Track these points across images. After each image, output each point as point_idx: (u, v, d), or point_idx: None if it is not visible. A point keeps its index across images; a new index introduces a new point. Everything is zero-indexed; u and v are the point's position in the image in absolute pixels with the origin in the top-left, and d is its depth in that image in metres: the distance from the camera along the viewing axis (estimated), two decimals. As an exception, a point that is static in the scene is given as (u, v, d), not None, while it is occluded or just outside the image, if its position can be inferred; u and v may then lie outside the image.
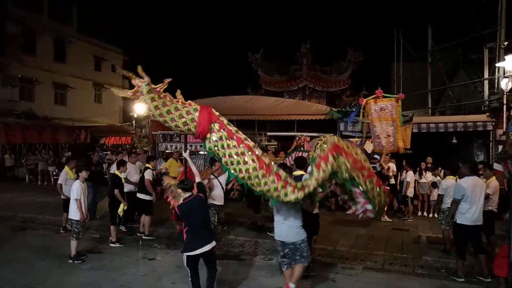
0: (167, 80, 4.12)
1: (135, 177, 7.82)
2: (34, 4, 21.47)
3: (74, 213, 5.92)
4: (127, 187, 7.72)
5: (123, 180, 7.04)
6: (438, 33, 14.54)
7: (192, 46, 45.95)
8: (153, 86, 4.06)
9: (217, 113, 4.09)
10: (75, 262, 5.77)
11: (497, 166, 6.76)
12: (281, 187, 3.85)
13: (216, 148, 3.97)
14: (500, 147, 9.70)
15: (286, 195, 3.83)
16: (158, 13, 47.28)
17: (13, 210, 9.33)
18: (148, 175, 7.24)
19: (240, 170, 3.91)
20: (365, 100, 7.93)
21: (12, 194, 11.80)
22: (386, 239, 7.08)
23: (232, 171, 3.99)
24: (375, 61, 20.59)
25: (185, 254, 4.22)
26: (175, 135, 12.17)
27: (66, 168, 7.59)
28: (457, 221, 5.33)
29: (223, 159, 3.98)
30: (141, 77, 4.02)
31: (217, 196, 6.27)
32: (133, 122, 23.42)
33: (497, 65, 10.70)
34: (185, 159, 4.92)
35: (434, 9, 14.18)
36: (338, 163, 3.90)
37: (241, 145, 3.93)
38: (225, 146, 3.94)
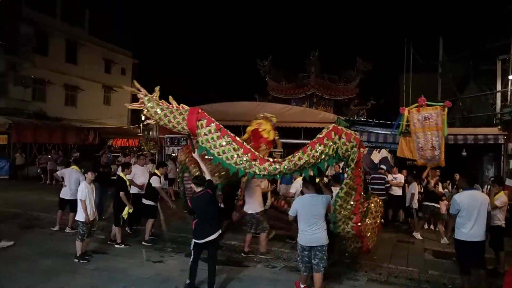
0: (157, 88, 5.04)
1: (141, 180, 7.80)
2: (47, 6, 21.91)
3: (80, 214, 5.97)
4: (133, 189, 7.75)
5: (127, 182, 7.06)
6: (449, 44, 14.45)
7: (201, 52, 46.36)
8: (150, 95, 4.92)
9: (208, 116, 4.89)
10: (81, 261, 5.81)
11: (509, 182, 6.60)
12: (269, 165, 4.68)
13: (207, 141, 4.75)
14: (512, 162, 9.54)
15: (264, 169, 4.68)
16: (168, 18, 47.90)
17: (21, 208, 9.43)
18: (155, 182, 7.13)
19: (232, 157, 4.68)
20: (407, 109, 7.56)
21: (21, 193, 11.95)
22: (391, 252, 6.97)
23: (225, 159, 4.71)
24: (383, 70, 20.53)
25: (194, 240, 4.85)
26: (182, 139, 12.23)
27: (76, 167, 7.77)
28: (455, 236, 5.14)
29: (215, 150, 4.72)
30: (138, 90, 4.95)
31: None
32: (141, 124, 23.62)
33: (510, 77, 10.56)
34: (196, 160, 5.39)
35: (445, 21, 14.11)
36: (338, 143, 4.73)
37: (226, 136, 4.73)
38: (215, 138, 4.73)
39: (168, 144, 12.42)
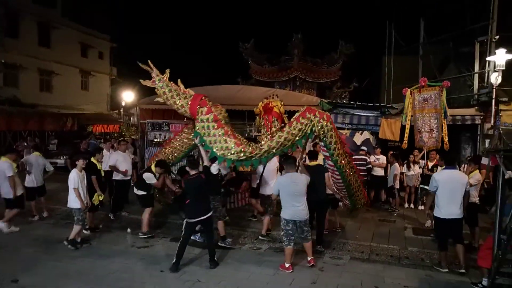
0: (168, 70, 5.44)
1: (123, 166, 7.70)
2: (17, -14, 20.72)
3: (74, 202, 5.89)
4: (117, 175, 7.63)
5: (98, 166, 6.97)
6: (430, 26, 14.53)
7: (182, 34, 45.24)
8: (161, 76, 5.29)
9: (210, 103, 5.24)
10: (69, 246, 5.73)
11: (484, 160, 6.80)
12: (256, 148, 5.06)
13: (202, 128, 5.09)
14: (488, 141, 9.83)
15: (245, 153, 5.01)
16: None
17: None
18: (150, 179, 6.51)
19: (222, 148, 5.00)
20: (409, 90, 7.54)
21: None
22: (373, 231, 7.18)
23: (215, 149, 5.03)
24: (366, 53, 20.54)
25: (186, 220, 5.17)
26: (164, 124, 12.05)
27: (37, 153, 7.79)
28: (434, 214, 5.36)
29: (208, 138, 5.07)
30: (151, 69, 5.30)
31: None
32: (121, 110, 23.09)
33: (487, 59, 10.72)
34: (198, 147, 5.76)
35: (427, 4, 14.14)
36: (313, 121, 5.06)
37: (221, 128, 5.03)
38: (211, 127, 5.05)
39: (150, 129, 12.16)
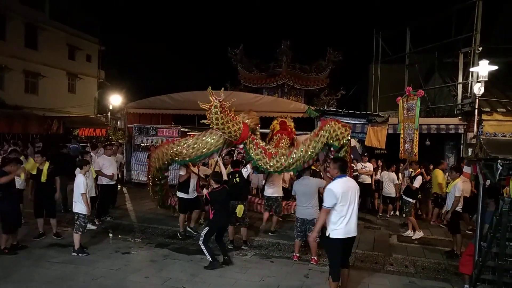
0: (233, 100, 6.12)
1: (110, 170, 7.63)
2: (4, -13, 20.39)
3: (81, 207, 5.80)
4: (103, 180, 7.53)
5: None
6: (416, 36, 14.88)
7: (171, 39, 45.17)
8: (222, 103, 5.77)
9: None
10: (80, 255, 5.64)
11: (467, 169, 6.95)
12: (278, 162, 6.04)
13: (254, 150, 6.08)
14: (470, 150, 10.06)
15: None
16: (135, 3, 46.13)
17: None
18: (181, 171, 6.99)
19: (264, 163, 6.03)
20: (401, 98, 7.67)
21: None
22: (358, 238, 7.17)
23: (258, 163, 6.06)
24: (353, 61, 20.84)
25: (208, 228, 5.62)
26: (151, 128, 11.97)
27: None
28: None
29: (254, 156, 6.05)
30: (219, 96, 5.74)
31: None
32: (108, 114, 22.84)
33: (471, 70, 11.01)
34: (217, 161, 6.38)
35: (413, 15, 14.47)
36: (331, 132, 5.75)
37: (259, 147, 6.10)
38: (254, 148, 6.10)
39: (137, 133, 12.07)
